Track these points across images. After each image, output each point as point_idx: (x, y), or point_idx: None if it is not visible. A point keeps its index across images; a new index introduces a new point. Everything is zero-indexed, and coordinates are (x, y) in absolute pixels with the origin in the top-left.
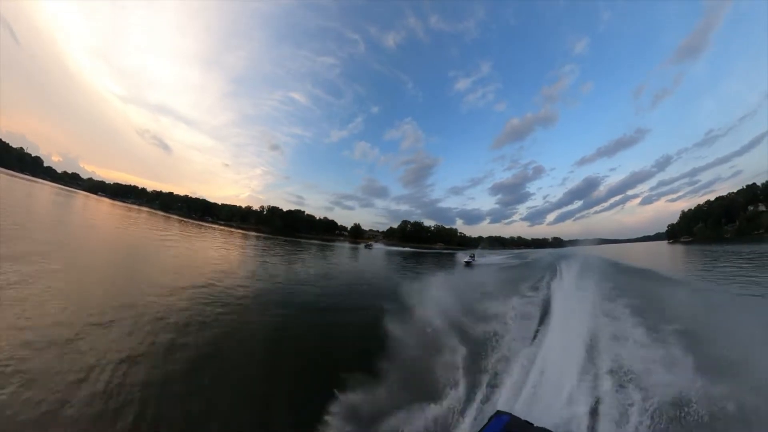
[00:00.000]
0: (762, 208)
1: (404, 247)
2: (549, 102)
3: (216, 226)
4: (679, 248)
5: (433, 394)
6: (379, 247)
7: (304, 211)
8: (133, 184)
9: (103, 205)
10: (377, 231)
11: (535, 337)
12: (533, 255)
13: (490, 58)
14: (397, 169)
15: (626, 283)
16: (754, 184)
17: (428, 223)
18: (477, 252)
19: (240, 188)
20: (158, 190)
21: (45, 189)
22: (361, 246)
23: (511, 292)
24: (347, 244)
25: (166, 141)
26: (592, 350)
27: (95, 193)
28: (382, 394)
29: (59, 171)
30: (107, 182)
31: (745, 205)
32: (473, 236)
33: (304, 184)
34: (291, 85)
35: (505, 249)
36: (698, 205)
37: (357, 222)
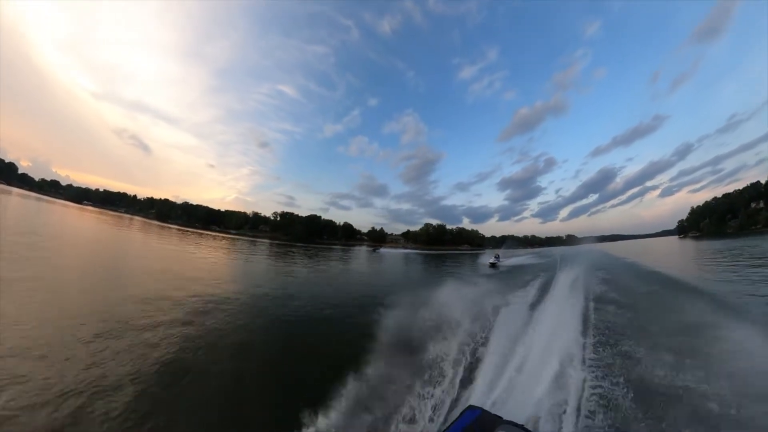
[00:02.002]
0: (762, 205)
1: (421, 249)
2: (560, 89)
3: (228, 236)
4: (679, 243)
5: (409, 390)
6: (385, 251)
7: (320, 216)
8: (122, 191)
9: (96, 216)
10: (398, 235)
11: (517, 336)
12: (554, 252)
13: (496, 44)
14: (398, 165)
15: (618, 284)
16: (758, 182)
17: (429, 221)
18: (501, 252)
19: (225, 190)
20: (150, 196)
21: (25, 202)
22: (379, 250)
23: (506, 291)
24: (364, 248)
25: (145, 141)
26: (570, 356)
27: (79, 201)
28: (358, 389)
29: (31, 177)
30: (92, 189)
31: (749, 201)
32: (495, 236)
33: (295, 183)
34: (279, 77)
35: (533, 248)
36: (706, 201)
37: (350, 222)
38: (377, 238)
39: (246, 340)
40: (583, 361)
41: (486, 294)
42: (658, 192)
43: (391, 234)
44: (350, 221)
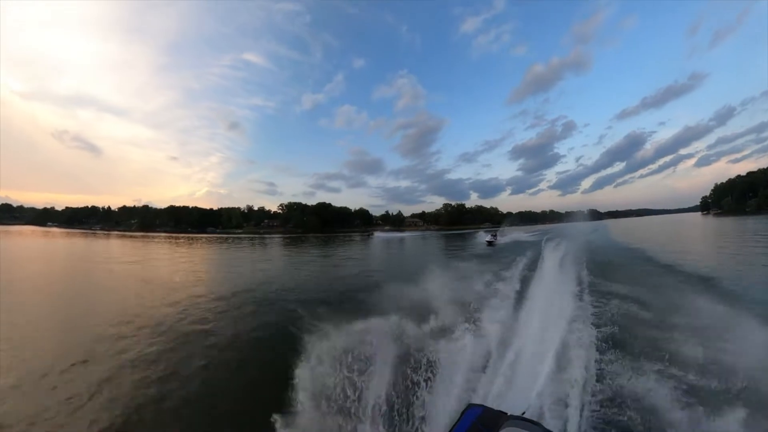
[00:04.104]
0: None
1: (440, 230)
2: (580, 42)
3: (237, 236)
4: (697, 220)
5: (404, 391)
6: (380, 236)
7: (330, 203)
8: (86, 206)
9: (69, 238)
10: (411, 218)
11: (509, 325)
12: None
13: None
14: (393, 135)
15: (614, 267)
16: None
17: (432, 199)
18: (499, 230)
19: (194, 184)
20: (123, 205)
21: None
22: (373, 234)
23: (490, 277)
24: (381, 233)
25: (92, 141)
26: (567, 339)
27: (43, 224)
28: (354, 391)
29: None
30: (49, 208)
31: None
32: (512, 212)
33: (274, 167)
34: (243, 44)
35: (545, 224)
36: (730, 178)
37: (341, 205)
38: (395, 222)
39: None
40: (583, 342)
41: (475, 275)
42: (693, 161)
43: (407, 217)
44: (341, 205)
